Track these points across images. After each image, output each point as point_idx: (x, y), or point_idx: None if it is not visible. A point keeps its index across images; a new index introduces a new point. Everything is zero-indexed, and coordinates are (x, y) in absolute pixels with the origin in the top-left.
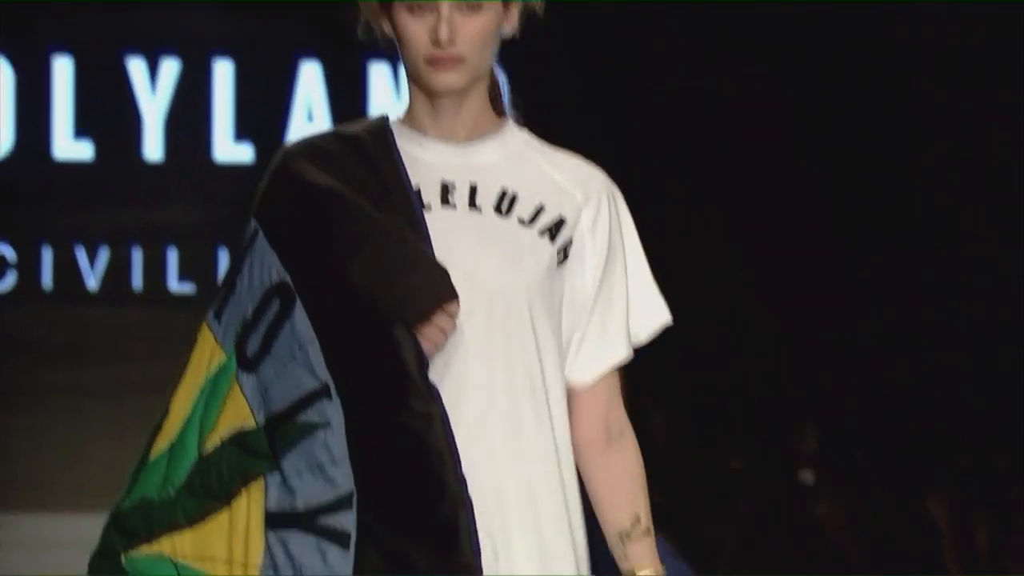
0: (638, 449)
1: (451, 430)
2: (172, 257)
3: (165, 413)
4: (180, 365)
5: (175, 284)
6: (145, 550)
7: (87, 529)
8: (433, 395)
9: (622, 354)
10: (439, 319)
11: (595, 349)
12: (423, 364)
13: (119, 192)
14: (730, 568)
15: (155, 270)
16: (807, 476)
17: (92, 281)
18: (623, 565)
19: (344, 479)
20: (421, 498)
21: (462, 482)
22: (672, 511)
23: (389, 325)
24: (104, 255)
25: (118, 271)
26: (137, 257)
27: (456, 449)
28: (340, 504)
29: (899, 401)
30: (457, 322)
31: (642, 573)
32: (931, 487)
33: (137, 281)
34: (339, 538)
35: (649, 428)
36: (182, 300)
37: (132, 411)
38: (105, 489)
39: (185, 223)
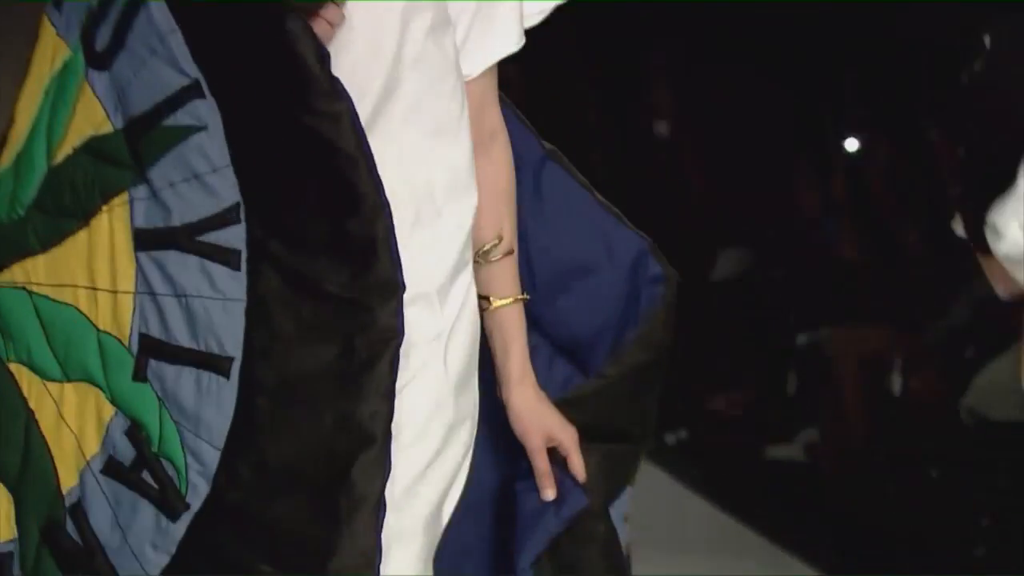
0: (509, 160)
1: (362, 129)
2: None
3: (10, 122)
4: (21, 64)
5: None
6: None
7: None
8: (338, 92)
9: (513, 43)
10: (328, 12)
11: (484, 38)
12: (324, 59)
13: None
14: None
15: None
16: (662, 129)
17: None
18: (480, 290)
19: (228, 189)
20: (329, 209)
21: (379, 186)
22: None
23: (279, 17)
24: None
25: None
26: None
27: (369, 150)
28: (226, 218)
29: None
30: (345, 14)
31: (499, 300)
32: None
33: None
34: (227, 257)
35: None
36: None
37: None
38: None
39: None
